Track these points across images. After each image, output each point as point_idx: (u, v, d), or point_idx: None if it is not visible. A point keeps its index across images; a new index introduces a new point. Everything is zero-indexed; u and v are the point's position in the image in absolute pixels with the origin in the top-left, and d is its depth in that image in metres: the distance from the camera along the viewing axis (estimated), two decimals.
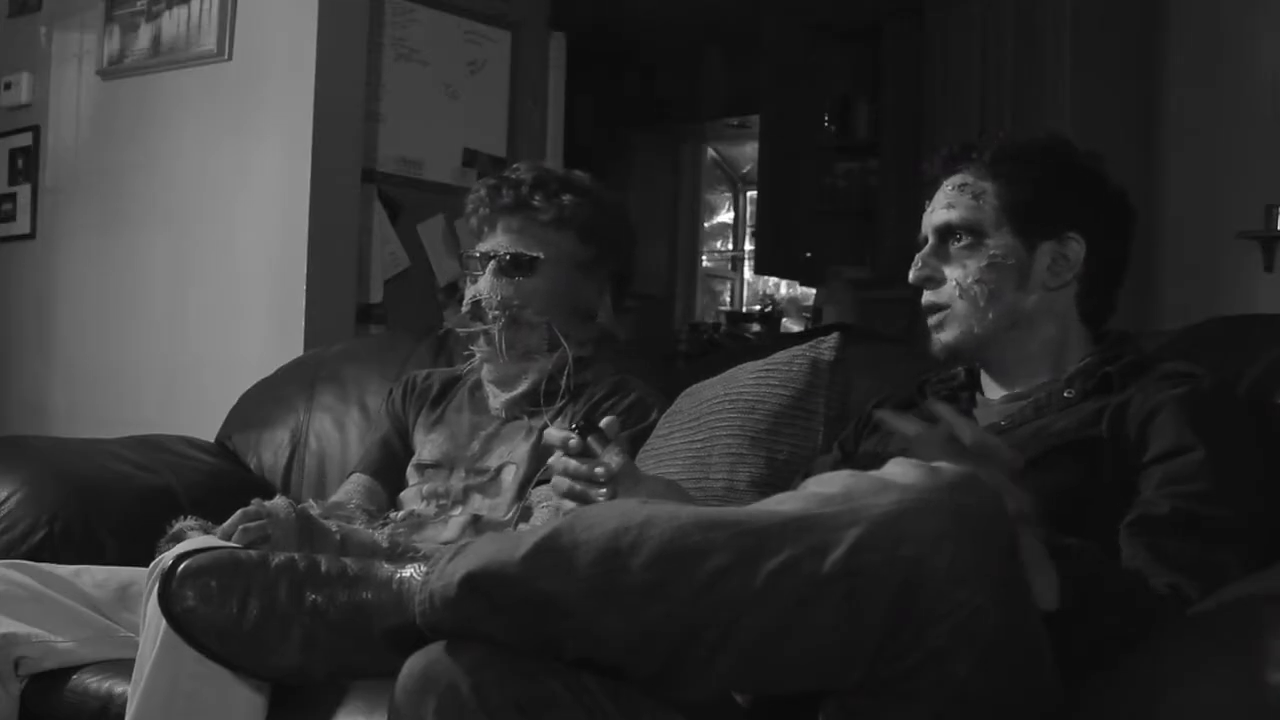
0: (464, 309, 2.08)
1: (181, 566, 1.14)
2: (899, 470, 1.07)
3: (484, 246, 2.07)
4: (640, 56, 6.82)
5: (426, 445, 2.12)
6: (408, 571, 1.14)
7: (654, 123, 7.15)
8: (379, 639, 1.13)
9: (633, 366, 2.13)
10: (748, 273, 7.84)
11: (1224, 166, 4.34)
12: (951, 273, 1.56)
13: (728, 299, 8.01)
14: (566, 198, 2.05)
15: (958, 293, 1.56)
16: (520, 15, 4.19)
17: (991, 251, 1.55)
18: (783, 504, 1.08)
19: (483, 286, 2.04)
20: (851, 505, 1.03)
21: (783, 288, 7.45)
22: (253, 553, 1.16)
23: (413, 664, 1.08)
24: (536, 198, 2.04)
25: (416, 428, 2.17)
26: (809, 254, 5.78)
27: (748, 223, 7.81)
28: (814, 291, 5.96)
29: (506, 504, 1.99)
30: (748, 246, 7.68)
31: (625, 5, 5.95)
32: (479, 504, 2.01)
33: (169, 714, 1.48)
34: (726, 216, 8.13)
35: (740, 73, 6.63)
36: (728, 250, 8.13)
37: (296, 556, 1.16)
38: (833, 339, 1.99)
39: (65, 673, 1.79)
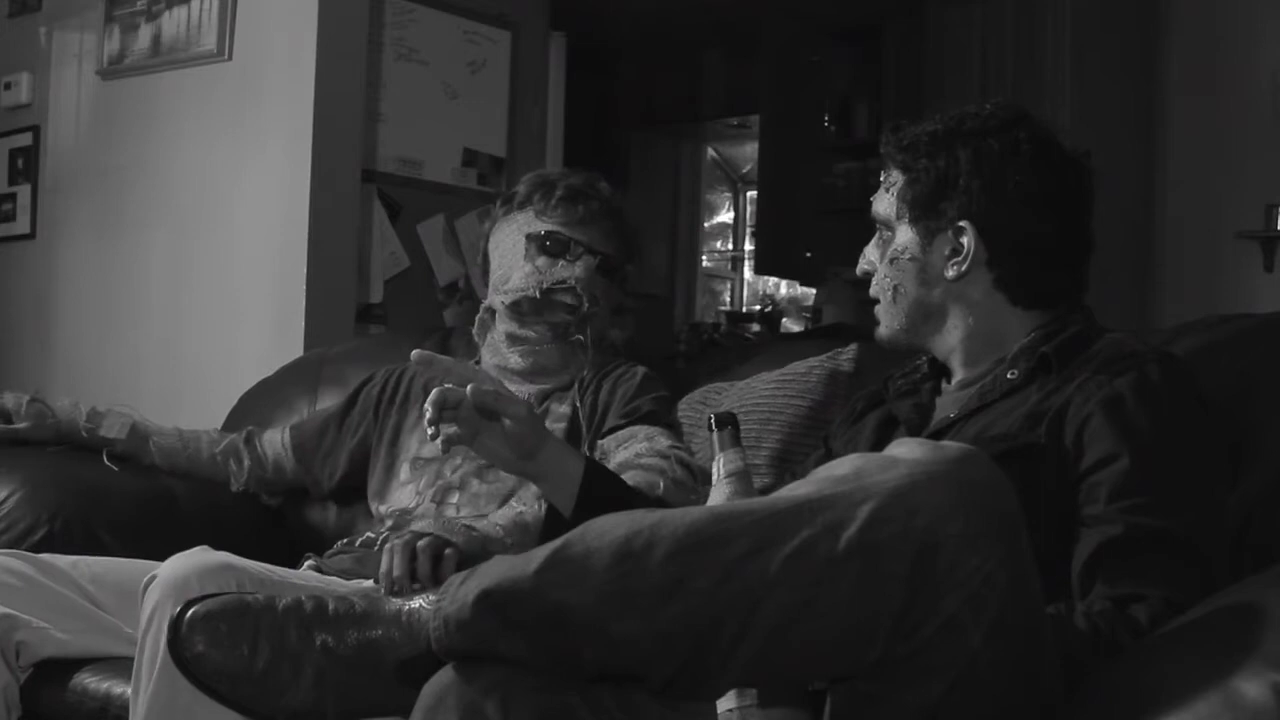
0: (543, 285, 2.04)
1: (190, 613, 1.14)
2: (905, 449, 1.09)
3: (580, 235, 2.06)
4: (640, 56, 6.81)
5: (425, 443, 2.07)
6: (416, 603, 1.14)
7: (654, 123, 7.13)
8: (391, 673, 1.12)
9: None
10: (748, 273, 7.83)
11: (1224, 166, 4.34)
12: (879, 266, 1.56)
13: (728, 299, 8.00)
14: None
15: (879, 288, 1.56)
16: (520, 15, 4.20)
17: (893, 246, 1.54)
18: (795, 490, 1.08)
19: (582, 274, 2.04)
20: (862, 483, 1.04)
21: (783, 288, 7.44)
22: (259, 596, 1.16)
23: (430, 688, 1.08)
24: (615, 208, 2.10)
25: (404, 430, 2.14)
26: (809, 254, 5.78)
27: (748, 223, 7.81)
28: (814, 291, 5.96)
29: (508, 489, 1.96)
30: (748, 246, 7.67)
31: (625, 5, 5.94)
32: (476, 488, 1.98)
33: None
34: (726, 216, 8.12)
35: (740, 73, 6.62)
36: (728, 250, 8.12)
37: (303, 598, 1.16)
38: (851, 350, 1.99)
39: (65, 671, 1.80)
